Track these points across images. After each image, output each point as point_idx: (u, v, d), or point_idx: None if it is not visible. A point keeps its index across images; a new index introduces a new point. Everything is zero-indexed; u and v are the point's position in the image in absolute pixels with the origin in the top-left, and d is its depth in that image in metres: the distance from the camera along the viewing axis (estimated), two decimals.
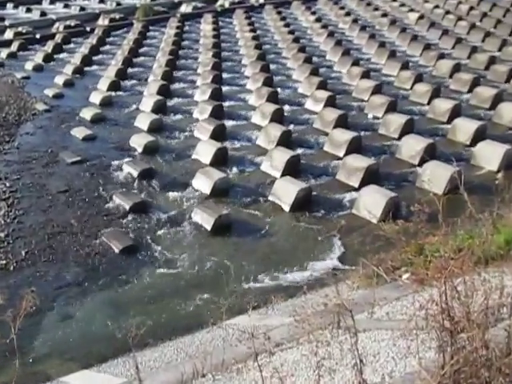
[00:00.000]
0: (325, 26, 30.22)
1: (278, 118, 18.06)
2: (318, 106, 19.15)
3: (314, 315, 6.18)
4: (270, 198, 13.58)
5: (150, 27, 31.54)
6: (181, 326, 9.27)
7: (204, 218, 12.49)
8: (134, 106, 19.96)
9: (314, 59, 25.01)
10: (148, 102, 19.68)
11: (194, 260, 11.29)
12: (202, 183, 14.09)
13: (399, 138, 16.50)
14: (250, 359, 7.09)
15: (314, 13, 33.64)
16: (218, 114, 18.57)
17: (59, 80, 22.74)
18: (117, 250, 11.57)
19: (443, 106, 18.32)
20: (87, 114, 19.01)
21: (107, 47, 28.27)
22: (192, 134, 17.55)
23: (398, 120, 17.29)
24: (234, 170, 15.21)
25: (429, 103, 19.16)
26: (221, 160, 15.50)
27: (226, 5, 37.22)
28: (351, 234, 12.08)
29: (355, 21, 31.35)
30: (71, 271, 11.00)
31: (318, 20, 31.72)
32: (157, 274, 10.87)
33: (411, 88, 20.75)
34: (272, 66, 24.01)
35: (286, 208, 13.15)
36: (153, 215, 12.99)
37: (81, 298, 10.21)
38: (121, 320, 9.27)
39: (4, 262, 11.26)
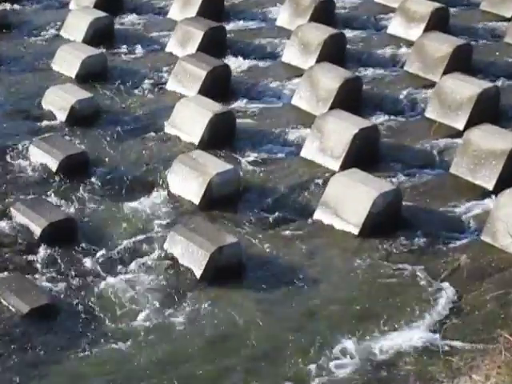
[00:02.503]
0: None
1: (333, 53, 18.33)
2: (412, 29, 19.45)
3: None
4: (320, 211, 13.75)
5: None
6: None
7: (189, 254, 12.61)
8: (53, 31, 20.42)
9: None
10: (79, 22, 20.00)
11: (160, 345, 11.28)
12: (186, 183, 14.29)
13: None
14: None
15: None
16: (215, 45, 18.90)
17: None
18: (23, 312, 11.71)
19: None
20: None
21: None
22: (164, 86, 17.90)
23: None
24: (248, 156, 15.45)
25: None
26: (221, 137, 15.74)
27: None
28: (480, 282, 12.25)
29: None
30: None
31: None
32: (90, 361, 10.99)
33: None
34: None
35: (353, 231, 13.32)
36: (87, 247, 13.16)
37: None
38: None
39: None
